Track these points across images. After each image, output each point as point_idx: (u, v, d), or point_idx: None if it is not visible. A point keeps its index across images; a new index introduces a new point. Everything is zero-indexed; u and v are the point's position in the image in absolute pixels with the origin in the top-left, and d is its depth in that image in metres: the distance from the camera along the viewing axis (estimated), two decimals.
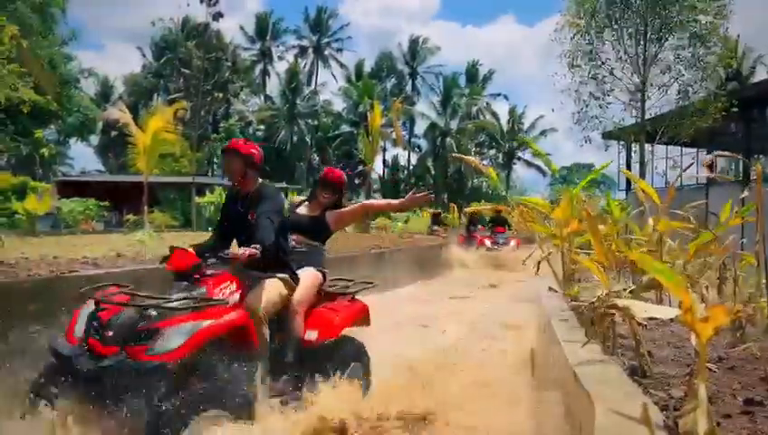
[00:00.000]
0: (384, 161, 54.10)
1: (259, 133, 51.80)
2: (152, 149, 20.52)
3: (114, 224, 27.06)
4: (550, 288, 5.17)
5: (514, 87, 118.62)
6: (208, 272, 3.88)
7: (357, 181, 50.52)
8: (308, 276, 4.42)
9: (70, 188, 28.61)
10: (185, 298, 3.69)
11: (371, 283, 5.15)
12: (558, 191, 37.76)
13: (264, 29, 54.52)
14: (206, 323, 3.60)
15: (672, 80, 19.60)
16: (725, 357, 2.95)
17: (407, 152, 54.32)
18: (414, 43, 55.83)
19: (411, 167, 54.80)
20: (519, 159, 54.41)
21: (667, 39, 19.31)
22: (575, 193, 4.27)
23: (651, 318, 3.80)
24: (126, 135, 22.58)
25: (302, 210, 4.93)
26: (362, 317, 4.80)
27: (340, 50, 56.57)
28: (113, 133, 45.07)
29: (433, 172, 52.47)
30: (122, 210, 26.94)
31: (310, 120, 51.64)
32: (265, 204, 4.02)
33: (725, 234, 4.04)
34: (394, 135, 38.84)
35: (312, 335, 4.30)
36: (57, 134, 41.91)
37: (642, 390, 2.31)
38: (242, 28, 54.30)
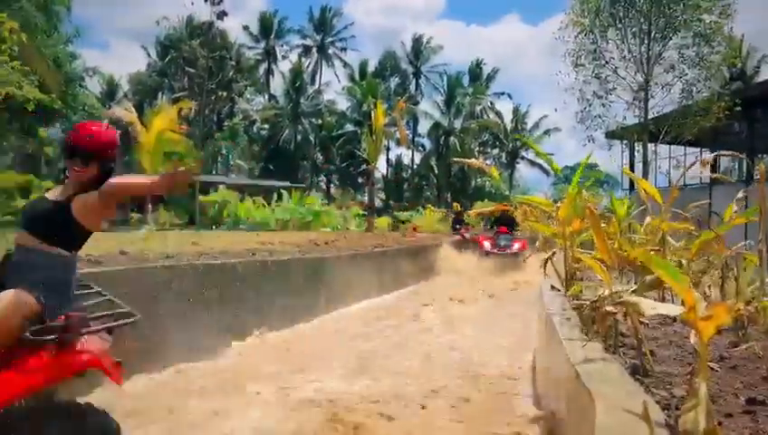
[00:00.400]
0: (387, 160, 54.12)
1: (263, 132, 51.83)
2: (156, 147, 20.57)
3: (119, 222, 27.08)
4: (552, 287, 5.17)
5: (519, 86, 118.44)
6: None
7: (360, 180, 50.57)
8: None
9: None
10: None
11: (129, 315, 3.18)
12: (561, 190, 37.74)
13: (269, 28, 54.51)
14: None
15: (675, 79, 19.57)
16: (727, 356, 2.95)
17: (410, 151, 54.32)
18: (417, 42, 55.81)
19: (415, 166, 54.78)
20: (522, 158, 54.32)
21: (671, 38, 19.29)
22: (574, 192, 4.27)
23: (659, 315, 3.80)
24: (130, 134, 22.64)
25: (49, 194, 3.16)
26: (86, 374, 2.99)
27: (344, 49, 56.62)
28: (118, 132, 45.09)
29: (436, 171, 52.41)
30: (127, 208, 26.98)
31: (313, 120, 51.63)
32: None
33: (730, 234, 4.03)
34: (398, 134, 38.76)
35: None
36: (63, 133, 42.01)
37: (644, 388, 2.31)
38: (246, 28, 54.35)
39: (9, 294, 2.69)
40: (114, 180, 3.02)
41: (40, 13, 26.34)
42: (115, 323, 3.09)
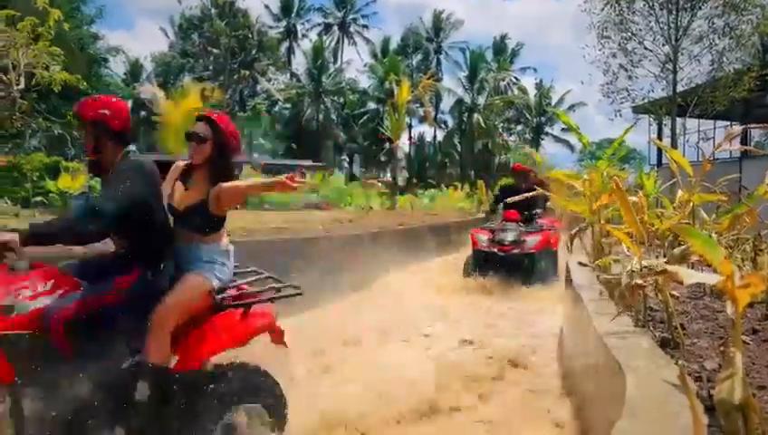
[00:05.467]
0: (410, 138, 53.88)
1: (285, 112, 51.86)
2: (183, 127, 20.74)
3: None
4: (580, 263, 5.15)
5: (544, 61, 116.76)
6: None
7: (383, 159, 50.48)
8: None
9: None
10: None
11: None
12: (586, 167, 37.26)
13: (290, 6, 54.30)
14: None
15: (705, 50, 19.11)
16: (760, 329, 2.92)
17: (433, 129, 54.04)
18: (437, 18, 55.19)
19: (437, 143, 54.51)
20: (547, 134, 53.76)
21: (700, 8, 18.81)
22: (604, 165, 4.23)
23: (688, 289, 3.77)
24: (154, 114, 22.85)
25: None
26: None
27: (365, 26, 56.25)
28: (142, 113, 45.57)
29: (460, 149, 52.11)
30: None
31: (336, 98, 51.54)
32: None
33: (761, 210, 3.97)
34: (422, 112, 38.47)
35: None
36: None
37: (674, 361, 2.30)
38: (267, 6, 54.18)
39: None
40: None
41: None
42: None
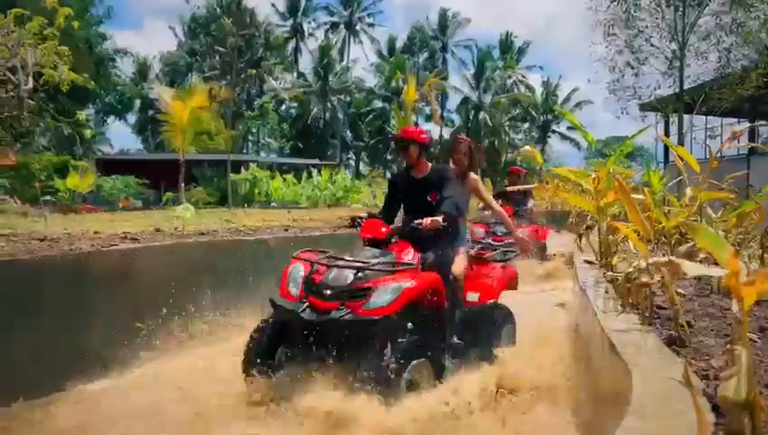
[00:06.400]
0: None
1: (292, 110, 51.89)
2: (189, 126, 20.80)
3: (153, 201, 27.54)
4: (586, 260, 5.13)
5: (551, 58, 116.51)
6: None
7: (389, 157, 50.48)
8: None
9: (109, 167, 29.17)
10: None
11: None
12: (593, 164, 37.15)
13: (296, 5, 54.33)
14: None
15: (712, 47, 19.01)
16: (767, 327, 2.90)
17: (439, 127, 53.94)
18: (443, 16, 55.09)
19: (444, 142, 54.43)
20: (553, 132, 53.58)
21: (706, 4, 18.71)
22: (611, 163, 4.21)
23: (698, 277, 3.75)
24: (162, 113, 22.90)
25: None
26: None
27: (371, 25, 56.23)
28: (150, 112, 45.72)
29: None
30: (161, 188, 27.40)
31: (342, 97, 51.54)
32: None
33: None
34: (429, 110, 38.38)
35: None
36: (95, 114, 42.68)
37: (681, 359, 2.29)
38: (273, 5, 54.23)
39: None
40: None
41: None
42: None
